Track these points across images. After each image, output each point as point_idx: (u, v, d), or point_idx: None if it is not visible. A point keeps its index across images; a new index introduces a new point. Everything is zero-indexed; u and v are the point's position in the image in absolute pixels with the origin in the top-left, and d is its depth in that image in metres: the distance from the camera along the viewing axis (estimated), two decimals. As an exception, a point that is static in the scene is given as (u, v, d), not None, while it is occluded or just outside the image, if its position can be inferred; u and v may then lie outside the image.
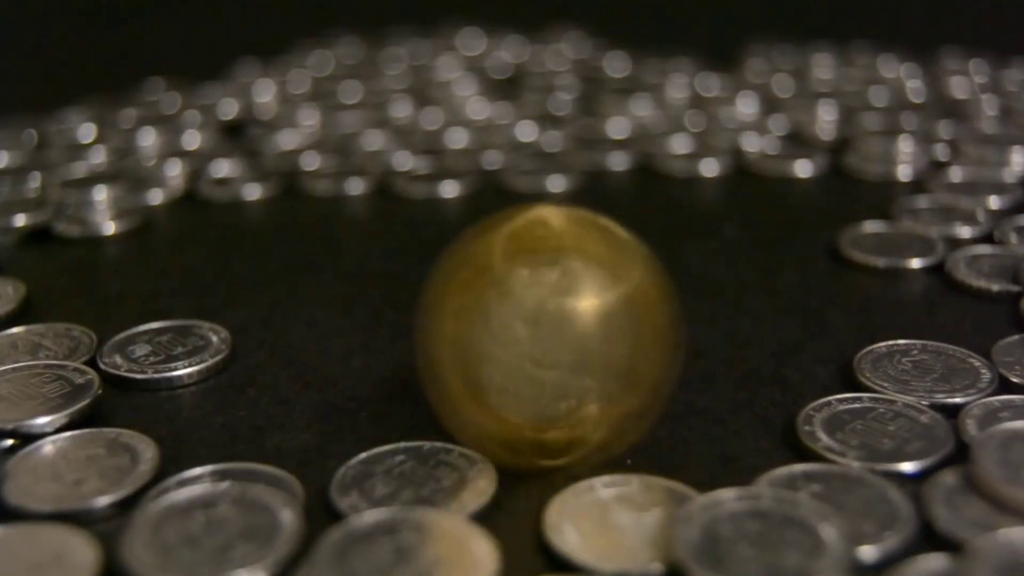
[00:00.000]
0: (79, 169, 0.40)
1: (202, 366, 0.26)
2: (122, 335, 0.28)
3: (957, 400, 0.24)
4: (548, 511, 0.20)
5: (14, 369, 0.26)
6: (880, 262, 0.31)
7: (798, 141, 0.43)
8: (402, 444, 0.23)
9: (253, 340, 0.28)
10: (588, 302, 0.20)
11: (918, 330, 0.27)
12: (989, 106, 0.45)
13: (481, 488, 0.21)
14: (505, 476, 0.22)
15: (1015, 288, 0.29)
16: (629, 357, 0.20)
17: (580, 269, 0.20)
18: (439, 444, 0.22)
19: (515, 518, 0.21)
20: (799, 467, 0.21)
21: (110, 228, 0.36)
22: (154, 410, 0.25)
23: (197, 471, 0.22)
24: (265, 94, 0.50)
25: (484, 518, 0.20)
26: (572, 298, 0.20)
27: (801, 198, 0.39)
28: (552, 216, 0.21)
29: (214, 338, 0.27)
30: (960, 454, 0.22)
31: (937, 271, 0.31)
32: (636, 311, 0.20)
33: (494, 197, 0.39)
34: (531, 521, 0.21)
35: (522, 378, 0.20)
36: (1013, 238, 0.32)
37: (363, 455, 0.22)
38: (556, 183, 0.39)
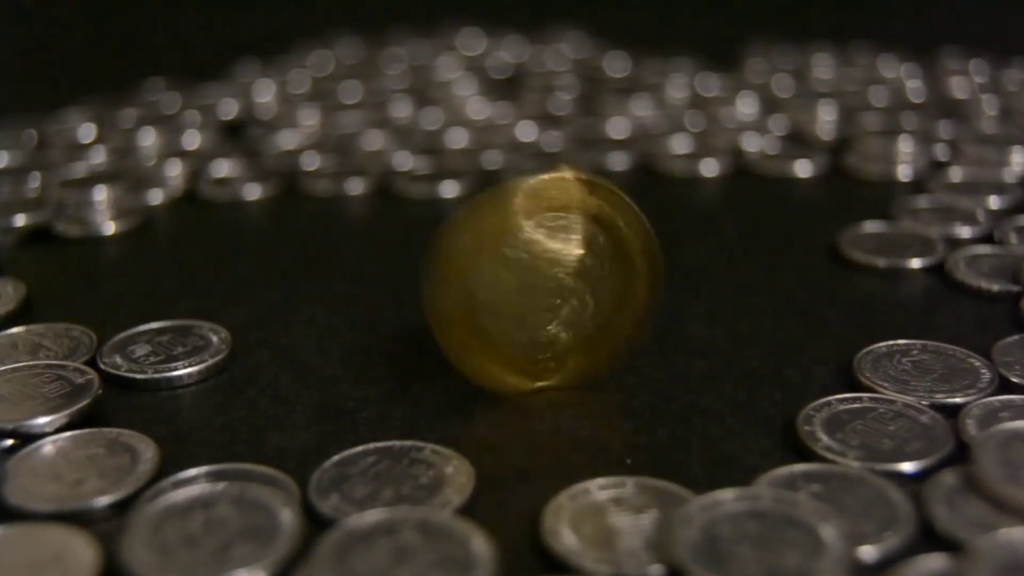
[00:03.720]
0: (79, 169, 0.40)
1: (202, 366, 0.26)
2: (122, 335, 0.28)
3: (957, 400, 0.24)
4: (544, 514, 0.20)
5: (14, 369, 0.25)
6: (880, 262, 0.31)
7: (798, 141, 0.43)
8: (372, 445, 0.23)
9: (253, 340, 0.28)
10: (567, 250, 0.23)
11: (918, 330, 0.27)
12: (989, 106, 0.45)
13: (461, 484, 0.21)
14: (493, 479, 0.22)
15: (1015, 288, 0.29)
16: (602, 299, 0.24)
17: (574, 221, 0.23)
18: (409, 443, 0.23)
19: (512, 522, 0.21)
20: (799, 467, 0.21)
21: (110, 228, 0.36)
22: (154, 410, 0.25)
23: (192, 472, 0.22)
24: (265, 94, 0.50)
25: (480, 521, 0.20)
26: (554, 246, 0.23)
27: (801, 198, 0.39)
28: (566, 176, 0.24)
29: (214, 338, 0.27)
30: (960, 454, 0.22)
31: (937, 271, 0.31)
32: (611, 261, 0.24)
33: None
34: (528, 525, 0.20)
35: (509, 315, 0.24)
36: (1013, 238, 0.32)
37: (335, 457, 0.22)
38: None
